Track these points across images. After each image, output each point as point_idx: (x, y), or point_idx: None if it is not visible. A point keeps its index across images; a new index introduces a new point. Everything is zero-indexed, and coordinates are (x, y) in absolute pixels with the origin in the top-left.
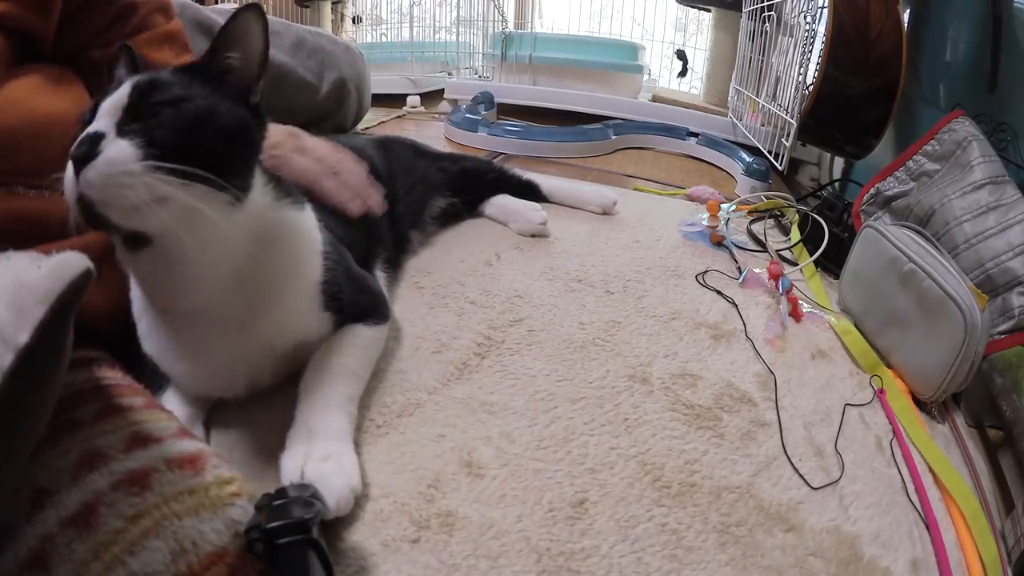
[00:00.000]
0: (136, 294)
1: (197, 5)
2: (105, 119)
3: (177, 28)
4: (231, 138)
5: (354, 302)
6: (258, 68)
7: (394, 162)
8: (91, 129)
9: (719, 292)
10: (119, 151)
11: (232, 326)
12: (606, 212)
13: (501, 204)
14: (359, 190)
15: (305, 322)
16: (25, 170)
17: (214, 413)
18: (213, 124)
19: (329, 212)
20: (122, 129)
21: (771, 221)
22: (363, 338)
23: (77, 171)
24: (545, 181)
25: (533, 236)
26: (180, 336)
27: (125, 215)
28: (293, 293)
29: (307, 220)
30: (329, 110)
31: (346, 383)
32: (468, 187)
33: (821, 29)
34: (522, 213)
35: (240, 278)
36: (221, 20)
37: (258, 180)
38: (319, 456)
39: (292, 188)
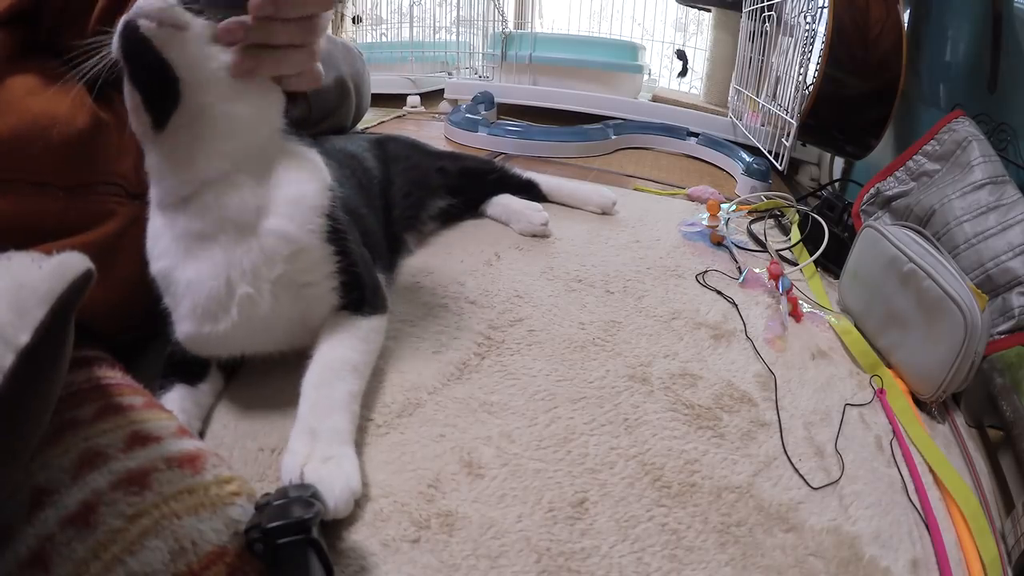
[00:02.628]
0: (153, 227)
1: None
2: None
3: None
4: None
5: (357, 272)
6: None
7: (391, 164)
8: None
9: (719, 292)
10: None
11: (237, 221)
12: (605, 212)
13: (503, 204)
14: None
15: (306, 242)
16: (26, 169)
17: (214, 412)
18: None
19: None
20: None
21: (771, 221)
22: (363, 330)
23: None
24: (545, 180)
25: (534, 236)
26: (187, 233)
27: (164, 34)
28: (297, 201)
29: (316, 155)
30: (329, 109)
31: (349, 381)
32: (468, 187)
33: (821, 29)
34: (524, 213)
35: (253, 165)
36: None
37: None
38: (320, 457)
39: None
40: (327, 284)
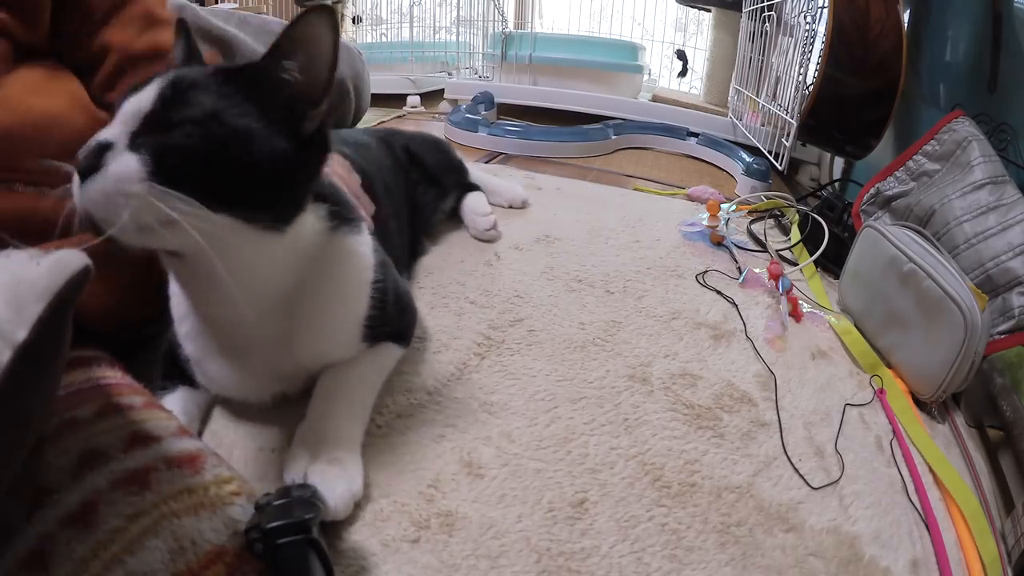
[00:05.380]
0: (176, 295)
1: (195, 6)
2: (119, 126)
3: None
4: (263, 172)
5: (392, 327)
6: (322, 87)
7: (413, 169)
8: (100, 136)
9: (719, 292)
10: (123, 167)
11: (272, 344)
12: (512, 206)
13: (465, 204)
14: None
15: (343, 350)
16: (24, 168)
17: (214, 413)
18: (240, 154)
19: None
20: (135, 140)
21: (771, 221)
22: (387, 354)
23: (82, 181)
24: (476, 174)
25: (484, 241)
26: (220, 344)
27: (129, 234)
28: (337, 325)
29: (362, 246)
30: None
31: (365, 393)
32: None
33: (821, 29)
34: (473, 220)
35: (284, 300)
36: (218, 23)
37: (313, 205)
38: (325, 459)
39: (350, 208)
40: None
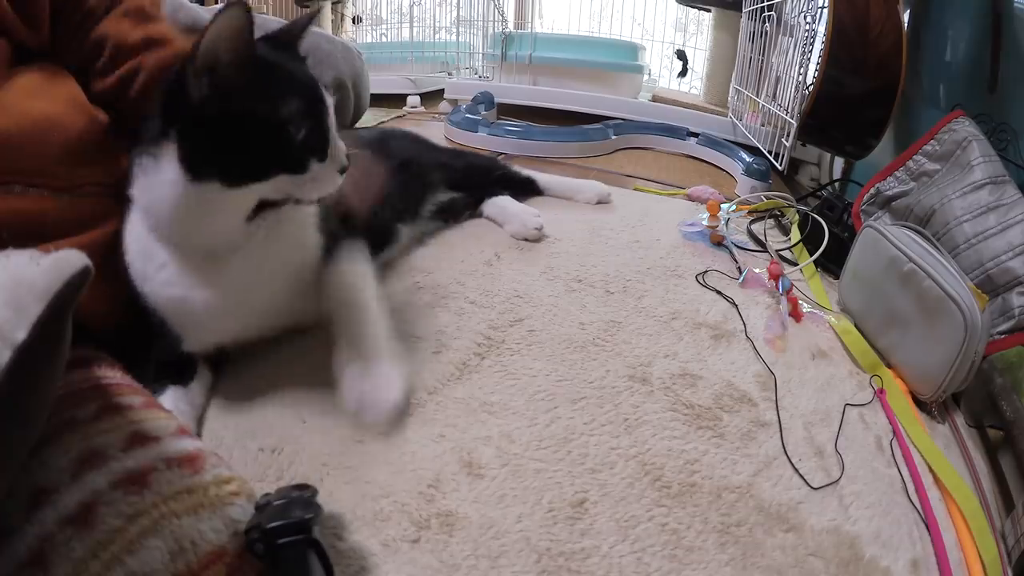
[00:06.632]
0: (143, 256)
1: (193, 5)
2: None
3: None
4: None
5: (332, 232)
6: None
7: (391, 157)
8: None
9: (719, 292)
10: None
11: (252, 254)
12: (601, 201)
13: (500, 205)
14: None
15: (309, 241)
16: (24, 170)
17: (214, 412)
18: None
19: None
20: None
21: (771, 221)
22: (358, 264)
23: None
24: (540, 176)
25: (526, 240)
26: (205, 273)
27: None
28: (301, 215)
29: None
30: None
31: (375, 309)
32: (472, 184)
33: (821, 29)
34: (519, 217)
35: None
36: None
37: None
38: (374, 373)
39: None
40: (317, 262)
